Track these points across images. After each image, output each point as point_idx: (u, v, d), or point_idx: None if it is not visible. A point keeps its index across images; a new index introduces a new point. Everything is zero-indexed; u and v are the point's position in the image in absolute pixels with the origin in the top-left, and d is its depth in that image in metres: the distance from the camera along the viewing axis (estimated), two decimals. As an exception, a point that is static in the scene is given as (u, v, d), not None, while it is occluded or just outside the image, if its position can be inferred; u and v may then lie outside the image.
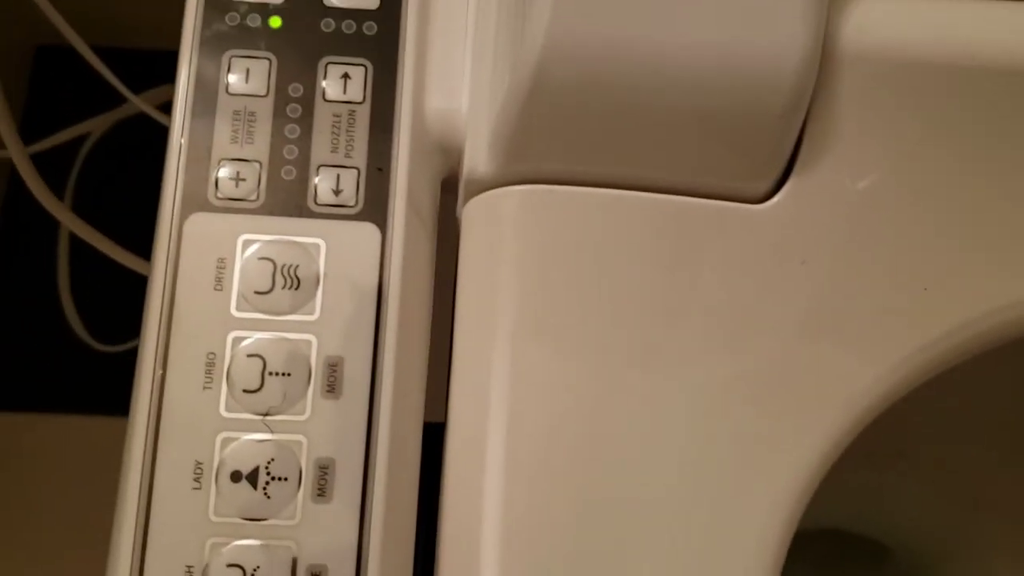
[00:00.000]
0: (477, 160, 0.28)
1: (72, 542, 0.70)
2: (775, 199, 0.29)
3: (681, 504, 0.28)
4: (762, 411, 0.29)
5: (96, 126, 0.66)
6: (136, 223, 0.42)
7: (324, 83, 0.29)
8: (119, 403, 0.29)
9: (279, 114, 0.28)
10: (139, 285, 0.28)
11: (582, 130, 0.27)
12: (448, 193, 0.31)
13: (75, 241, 0.69)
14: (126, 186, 0.63)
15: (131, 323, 0.29)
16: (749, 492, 0.29)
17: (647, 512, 0.28)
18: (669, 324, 0.29)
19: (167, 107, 0.30)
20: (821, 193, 0.29)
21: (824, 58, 0.27)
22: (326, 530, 0.26)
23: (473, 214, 0.29)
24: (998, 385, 0.45)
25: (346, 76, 0.29)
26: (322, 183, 0.28)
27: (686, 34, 0.26)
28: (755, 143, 0.27)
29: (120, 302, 0.50)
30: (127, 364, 0.28)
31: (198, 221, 0.27)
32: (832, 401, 0.29)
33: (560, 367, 0.28)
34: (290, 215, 0.28)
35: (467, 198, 0.29)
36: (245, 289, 0.27)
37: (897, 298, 0.29)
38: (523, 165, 0.28)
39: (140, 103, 0.52)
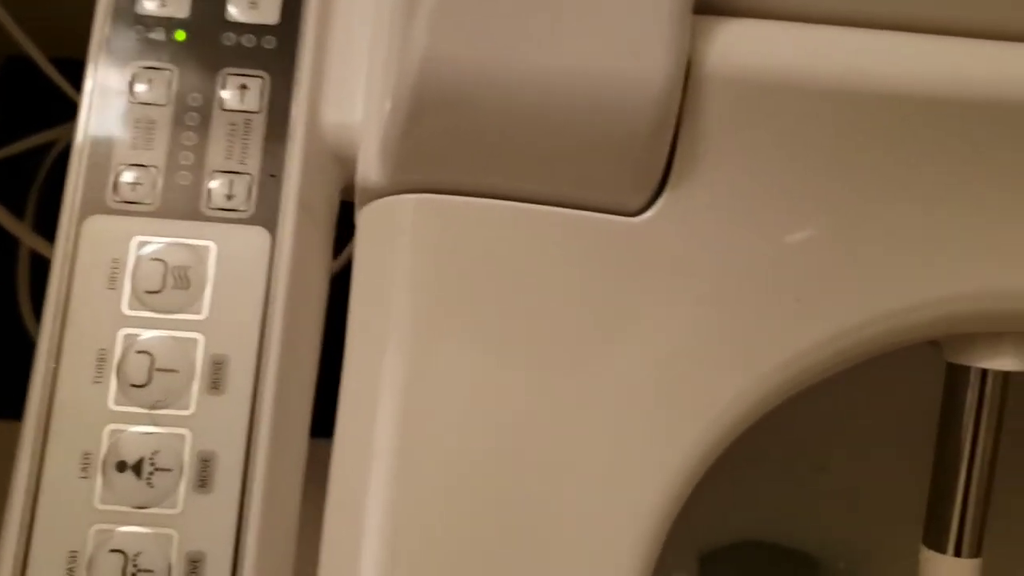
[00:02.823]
0: (369, 169, 0.30)
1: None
2: (650, 212, 0.30)
3: (559, 506, 0.29)
4: (638, 415, 0.30)
5: (60, 136, 0.67)
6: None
7: (222, 93, 0.30)
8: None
9: (178, 122, 0.29)
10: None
11: (464, 144, 0.28)
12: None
13: (36, 256, 0.70)
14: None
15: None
16: (621, 497, 0.30)
17: (523, 516, 0.29)
18: (552, 329, 0.30)
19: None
20: (693, 206, 0.30)
21: (691, 81, 0.28)
22: (206, 519, 0.27)
23: (366, 221, 0.30)
24: (909, 402, 0.47)
25: (243, 87, 0.30)
26: (216, 188, 0.29)
27: (556, 58, 0.27)
28: (626, 160, 0.29)
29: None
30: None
31: (96, 223, 0.29)
32: (705, 407, 0.31)
33: (448, 373, 0.30)
34: (183, 218, 0.29)
35: (361, 205, 0.30)
36: (137, 288, 0.28)
37: (769, 308, 0.31)
38: (411, 175, 0.29)
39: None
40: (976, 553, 0.36)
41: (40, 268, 0.68)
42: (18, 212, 0.55)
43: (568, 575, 0.29)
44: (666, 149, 0.29)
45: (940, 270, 0.31)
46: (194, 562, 0.27)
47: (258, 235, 0.29)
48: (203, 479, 0.27)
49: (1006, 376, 0.35)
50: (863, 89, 0.29)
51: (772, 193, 0.30)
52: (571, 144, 0.28)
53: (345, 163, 0.31)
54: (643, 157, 0.29)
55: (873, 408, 0.51)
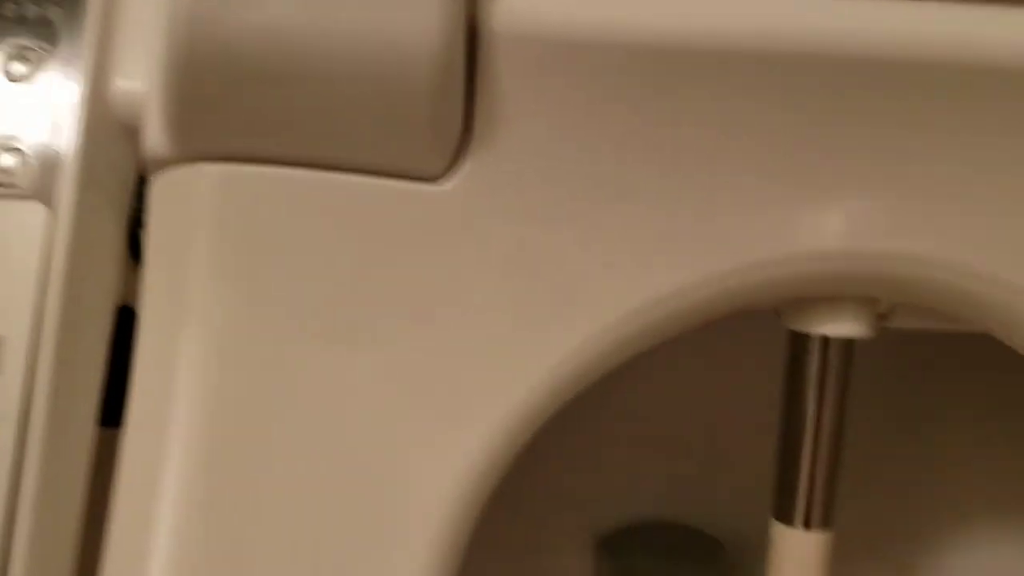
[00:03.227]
0: (155, 138, 0.29)
1: None
2: (452, 177, 0.29)
3: (356, 489, 0.28)
4: (448, 389, 0.29)
5: None
6: None
7: (4, 63, 0.29)
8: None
9: (-45, 94, 0.28)
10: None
11: (245, 109, 0.27)
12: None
13: None
14: None
15: None
16: (420, 479, 0.29)
17: (319, 500, 0.28)
18: (355, 302, 0.29)
19: None
20: (496, 170, 0.29)
21: (480, 39, 0.27)
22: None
23: (157, 192, 0.29)
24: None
25: (26, 58, 0.29)
26: (-9, 163, 0.28)
27: (327, 15, 0.26)
28: (415, 121, 0.27)
29: None
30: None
31: None
32: (515, 379, 0.30)
33: (246, 351, 0.29)
34: (-44, 194, 0.28)
35: (151, 175, 0.29)
36: (-94, 269, 0.27)
37: (579, 274, 0.30)
38: (197, 143, 0.28)
39: None
40: (826, 525, 0.35)
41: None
42: None
43: (364, 559, 0.28)
44: (458, 110, 0.28)
45: (756, 233, 0.30)
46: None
47: (34, 210, 0.28)
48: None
49: (849, 343, 0.34)
50: (666, 44, 0.28)
51: (578, 155, 0.29)
52: (354, 106, 0.27)
53: (136, 134, 0.29)
54: (432, 118, 0.28)
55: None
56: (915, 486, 0.46)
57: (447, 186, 0.29)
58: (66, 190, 0.28)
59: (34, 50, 0.29)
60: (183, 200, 0.29)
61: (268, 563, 0.28)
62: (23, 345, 0.27)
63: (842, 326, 0.34)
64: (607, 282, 0.30)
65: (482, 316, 0.29)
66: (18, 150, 0.28)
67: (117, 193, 0.29)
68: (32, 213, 0.28)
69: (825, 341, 0.34)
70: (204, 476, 0.28)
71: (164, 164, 0.29)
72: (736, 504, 0.55)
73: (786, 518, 0.35)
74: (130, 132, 0.30)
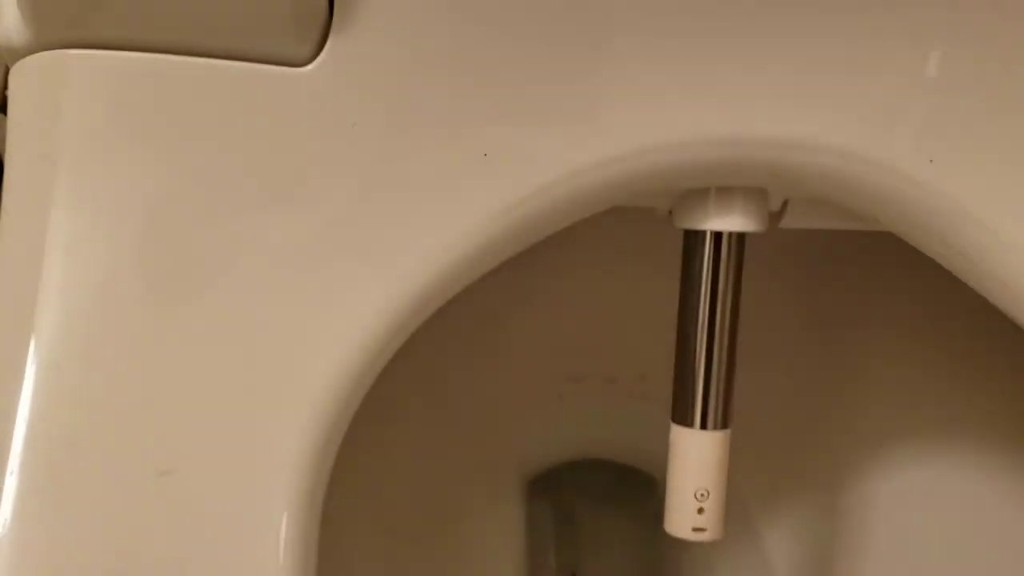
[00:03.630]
0: (12, 27, 0.29)
1: None
2: (316, 61, 0.29)
3: (235, 372, 0.28)
4: (324, 273, 0.29)
5: None
6: None
7: None
8: None
9: None
10: None
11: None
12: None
13: None
14: None
15: None
16: (307, 357, 0.29)
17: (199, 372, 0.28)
18: (224, 189, 0.29)
19: None
20: (360, 54, 0.29)
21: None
22: None
23: (16, 81, 0.29)
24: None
25: None
26: None
27: None
28: (274, 5, 0.27)
29: None
30: None
31: None
32: (395, 265, 0.29)
33: (107, 237, 0.28)
34: None
35: (12, 60, 0.29)
36: None
37: (457, 162, 0.29)
38: (54, 29, 0.28)
39: None
40: (723, 425, 0.35)
41: None
42: None
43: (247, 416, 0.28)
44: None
45: (641, 120, 0.30)
46: None
47: None
48: None
49: (740, 238, 0.34)
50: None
51: (447, 35, 0.29)
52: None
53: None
54: (294, 1, 0.27)
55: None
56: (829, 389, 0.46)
57: (310, 69, 0.29)
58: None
59: None
60: (41, 87, 0.29)
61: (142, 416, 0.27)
62: None
63: (731, 221, 0.33)
64: (487, 172, 0.29)
65: (346, 201, 0.29)
66: None
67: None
68: None
69: (716, 237, 0.34)
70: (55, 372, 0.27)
71: (24, 52, 0.29)
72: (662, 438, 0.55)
73: (684, 419, 0.35)
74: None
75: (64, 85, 0.29)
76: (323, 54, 0.29)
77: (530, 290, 0.47)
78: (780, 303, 0.44)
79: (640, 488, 0.57)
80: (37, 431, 0.27)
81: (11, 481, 0.26)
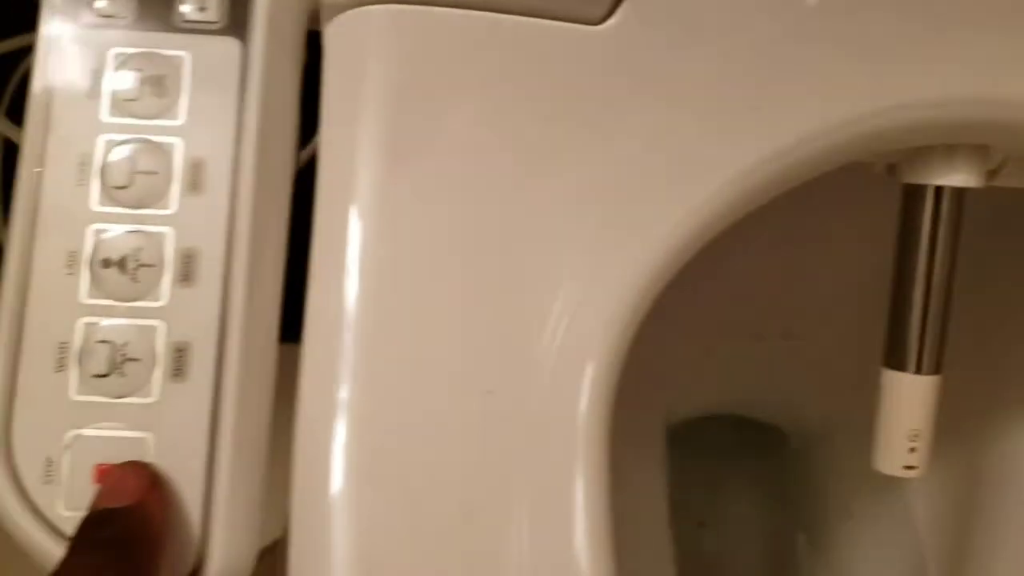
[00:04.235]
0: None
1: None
2: (611, 20, 0.31)
3: (540, 291, 0.31)
4: (601, 219, 0.31)
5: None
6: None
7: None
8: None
9: (151, -63, 0.30)
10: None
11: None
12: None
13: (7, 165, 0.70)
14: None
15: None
16: (585, 307, 0.31)
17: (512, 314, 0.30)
18: (517, 141, 0.31)
19: None
20: (653, 13, 0.31)
21: None
22: (191, 311, 0.28)
23: (332, 37, 0.31)
24: (863, 265, 0.48)
25: (215, -94, 0.31)
26: (188, 1, 0.30)
27: None
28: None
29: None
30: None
31: (74, 34, 0.30)
32: (668, 215, 0.32)
33: (416, 182, 0.31)
34: (158, 30, 0.30)
35: (327, 19, 0.31)
36: (116, 96, 0.29)
37: (727, 116, 0.32)
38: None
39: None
40: (936, 370, 0.38)
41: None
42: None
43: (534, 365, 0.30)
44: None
45: (895, 78, 0.32)
46: (179, 351, 0.28)
47: (230, 45, 0.30)
48: (186, 274, 0.28)
49: (960, 193, 0.37)
50: None
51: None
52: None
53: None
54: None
55: (841, 274, 0.52)
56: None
57: (606, 27, 0.31)
58: (258, 26, 0.30)
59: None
60: (355, 41, 0.31)
61: (441, 409, 0.30)
62: (225, 169, 0.29)
63: (954, 176, 0.36)
64: (756, 119, 0.32)
65: (635, 151, 0.31)
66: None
67: (293, 33, 0.31)
68: (230, 48, 0.30)
69: (938, 191, 0.36)
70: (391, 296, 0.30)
71: (341, 8, 0.31)
72: (804, 393, 0.58)
73: (898, 364, 0.38)
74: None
75: (372, 38, 0.31)
76: (617, 13, 0.31)
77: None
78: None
79: (772, 444, 0.60)
80: (379, 359, 0.29)
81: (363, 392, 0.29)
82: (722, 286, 0.52)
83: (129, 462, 0.27)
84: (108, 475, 0.27)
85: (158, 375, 0.28)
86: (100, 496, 0.27)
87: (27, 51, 0.66)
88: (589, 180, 0.31)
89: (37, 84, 0.29)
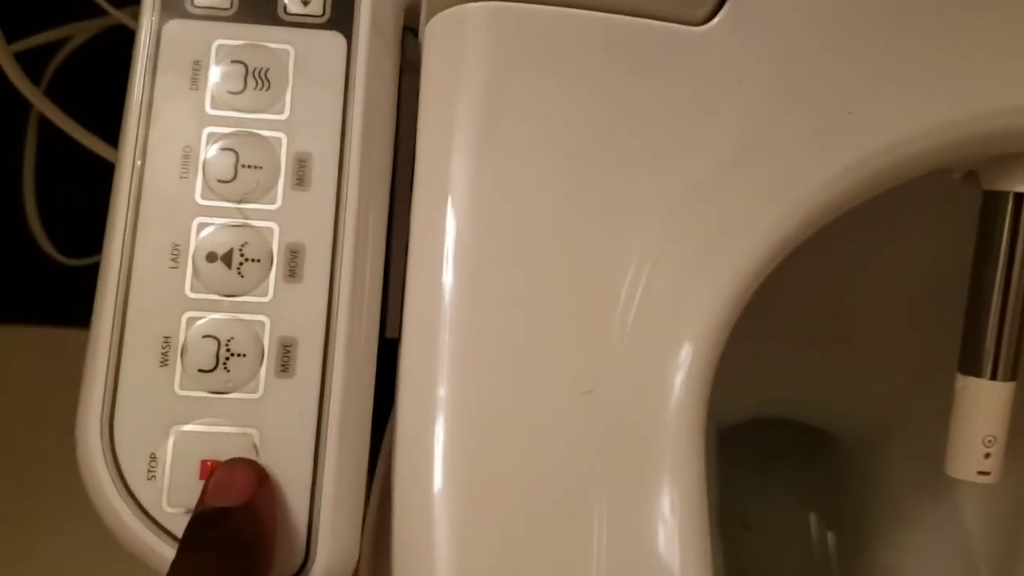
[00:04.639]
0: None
1: (28, 452, 0.71)
2: (713, 21, 0.31)
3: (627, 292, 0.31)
4: (698, 224, 0.31)
5: (76, 32, 0.67)
6: (108, 125, 0.41)
7: (296, -95, 0.30)
8: (80, 315, 0.30)
9: (253, -69, 0.30)
10: (106, 197, 0.29)
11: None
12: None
13: (42, 151, 0.70)
14: (99, 93, 0.64)
15: (96, 237, 0.30)
16: (685, 307, 0.31)
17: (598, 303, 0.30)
18: (612, 138, 0.31)
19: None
20: (755, 16, 0.31)
21: None
22: (297, 307, 0.28)
23: (434, 31, 0.31)
24: (933, 272, 0.48)
25: (316, -100, 0.30)
26: (292, -6, 0.30)
27: None
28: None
29: (86, 215, 0.52)
30: (90, 279, 0.29)
31: (176, 27, 0.29)
32: (760, 217, 0.32)
33: (515, 178, 0.30)
34: (262, 23, 0.29)
35: (429, 16, 0.31)
36: (219, 89, 0.29)
37: (823, 120, 0.32)
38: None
39: (120, 16, 0.54)
40: (1012, 376, 0.38)
41: (47, 164, 0.68)
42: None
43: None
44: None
45: (992, 81, 0.32)
46: (286, 347, 0.28)
47: (334, 39, 0.30)
48: (292, 269, 0.28)
49: (1039, 201, 0.37)
50: None
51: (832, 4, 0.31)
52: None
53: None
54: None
55: (898, 278, 0.52)
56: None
57: (706, 28, 0.31)
58: (362, 21, 0.30)
59: None
60: (456, 37, 0.31)
61: (539, 409, 0.30)
62: (332, 163, 0.29)
63: (1036, 185, 0.36)
64: (849, 129, 0.32)
65: (726, 156, 0.31)
66: (317, -18, 0.30)
67: (393, 28, 0.31)
68: (334, 42, 0.29)
69: (1018, 198, 0.36)
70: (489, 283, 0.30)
71: (442, 5, 0.31)
72: (856, 397, 0.57)
73: (974, 370, 0.38)
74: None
75: (471, 33, 0.31)
76: (719, 15, 0.31)
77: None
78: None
79: (820, 448, 0.60)
80: (477, 359, 0.29)
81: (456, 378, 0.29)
82: (776, 291, 0.52)
83: (236, 459, 0.27)
84: (215, 472, 0.27)
85: (264, 371, 0.28)
86: (208, 494, 0.27)
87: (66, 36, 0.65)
88: (688, 178, 0.31)
89: (136, 75, 0.29)
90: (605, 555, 0.29)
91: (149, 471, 0.27)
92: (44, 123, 0.64)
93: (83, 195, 0.61)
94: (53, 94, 0.63)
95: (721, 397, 0.57)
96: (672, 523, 0.30)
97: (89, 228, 0.31)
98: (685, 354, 0.31)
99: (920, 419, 0.54)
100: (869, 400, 0.56)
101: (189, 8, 0.29)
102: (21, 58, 0.55)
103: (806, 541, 0.57)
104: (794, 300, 0.53)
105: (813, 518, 0.58)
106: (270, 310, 0.28)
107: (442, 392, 0.29)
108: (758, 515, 0.58)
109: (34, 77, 0.64)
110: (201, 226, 0.28)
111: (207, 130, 0.29)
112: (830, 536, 0.57)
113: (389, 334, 0.30)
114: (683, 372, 0.30)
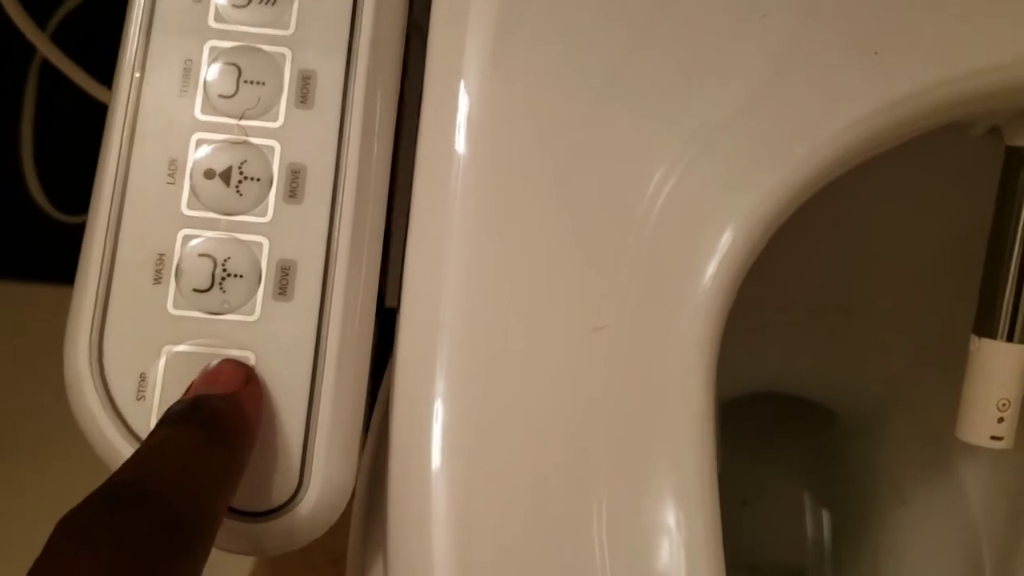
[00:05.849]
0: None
1: (25, 411, 0.70)
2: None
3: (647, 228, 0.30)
4: (725, 154, 0.30)
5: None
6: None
7: None
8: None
9: None
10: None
11: None
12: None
13: (41, 105, 0.69)
14: (105, 46, 0.63)
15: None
16: (710, 234, 0.30)
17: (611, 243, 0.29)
18: (636, 67, 0.30)
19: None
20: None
21: None
22: (297, 229, 0.27)
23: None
24: (927, 240, 0.47)
25: None
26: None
27: None
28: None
29: (84, 172, 0.50)
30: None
31: (178, -63, 0.28)
32: (786, 152, 0.31)
33: (531, 100, 0.29)
34: (269, -64, 0.28)
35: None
36: (222, 2, 0.28)
37: (849, 61, 0.31)
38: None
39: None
40: (1026, 339, 0.37)
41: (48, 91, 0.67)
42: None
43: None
44: None
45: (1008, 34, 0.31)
46: (284, 269, 0.27)
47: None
48: (293, 190, 0.27)
49: (1064, 159, 0.36)
50: None
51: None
52: None
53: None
54: None
55: (908, 247, 0.51)
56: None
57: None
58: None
59: None
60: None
61: (548, 349, 0.29)
62: (338, 81, 0.28)
63: (1061, 140, 0.35)
64: (875, 71, 0.31)
65: (752, 88, 0.30)
66: None
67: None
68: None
69: (1043, 155, 0.35)
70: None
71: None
72: (859, 371, 0.56)
73: (988, 331, 0.37)
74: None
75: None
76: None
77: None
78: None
79: (820, 423, 0.59)
80: (482, 296, 0.28)
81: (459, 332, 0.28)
82: (779, 260, 0.51)
83: (225, 359, 0.26)
84: (203, 370, 0.26)
85: (261, 293, 0.27)
86: (193, 386, 0.26)
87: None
88: (714, 108, 0.30)
89: (138, -13, 0.28)
90: (606, 513, 0.28)
91: (139, 392, 0.26)
92: (45, 74, 0.63)
93: (81, 151, 0.60)
94: (58, 42, 0.62)
95: (722, 369, 0.56)
96: (684, 464, 0.29)
97: (87, 185, 0.30)
98: (703, 288, 0.30)
99: (923, 395, 0.53)
100: (872, 374, 0.55)
101: (194, -79, 0.28)
102: (27, 3, 0.54)
103: (805, 517, 0.57)
104: (799, 268, 0.52)
105: (812, 495, 0.57)
106: (269, 231, 0.27)
107: (445, 326, 0.28)
108: (757, 491, 0.57)
109: (40, 24, 0.63)
110: (200, 142, 0.27)
111: (210, 43, 0.28)
112: (829, 513, 0.56)
113: (388, 303, 0.29)
114: (697, 309, 0.30)
